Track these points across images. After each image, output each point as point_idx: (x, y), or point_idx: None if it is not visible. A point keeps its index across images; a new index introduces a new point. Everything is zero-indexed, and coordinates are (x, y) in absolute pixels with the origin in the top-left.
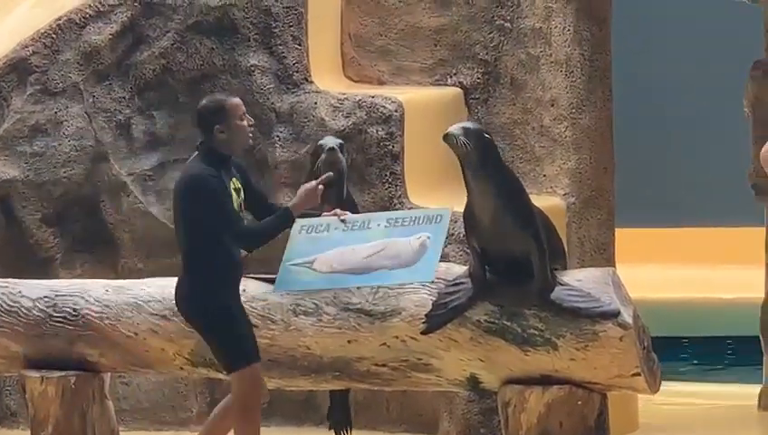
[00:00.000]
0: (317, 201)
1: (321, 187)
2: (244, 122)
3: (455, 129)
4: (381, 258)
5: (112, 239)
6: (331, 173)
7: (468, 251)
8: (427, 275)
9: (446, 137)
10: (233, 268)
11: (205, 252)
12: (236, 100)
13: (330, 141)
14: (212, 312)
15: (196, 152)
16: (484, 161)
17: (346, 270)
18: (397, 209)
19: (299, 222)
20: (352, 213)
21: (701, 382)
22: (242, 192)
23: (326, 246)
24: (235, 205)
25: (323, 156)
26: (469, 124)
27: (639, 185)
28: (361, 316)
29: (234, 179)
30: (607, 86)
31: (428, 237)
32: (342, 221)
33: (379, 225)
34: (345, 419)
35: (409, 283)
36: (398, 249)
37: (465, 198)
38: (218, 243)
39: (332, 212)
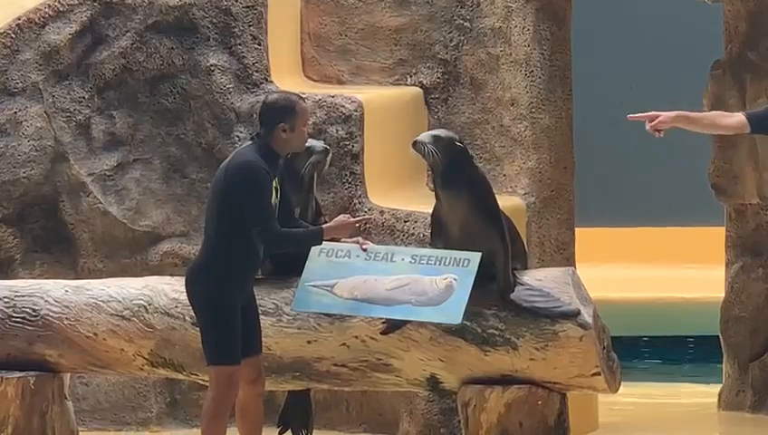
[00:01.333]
0: (348, 235)
1: (359, 224)
2: (305, 129)
3: (424, 136)
4: (405, 293)
5: (72, 239)
6: (369, 217)
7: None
8: (456, 317)
9: (415, 144)
10: (249, 264)
11: (228, 240)
12: (305, 105)
13: (319, 144)
14: (209, 301)
15: (251, 142)
16: (454, 170)
17: (367, 299)
18: (357, 209)
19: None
20: (317, 216)
21: (661, 382)
22: (278, 193)
23: (347, 272)
24: (273, 201)
25: (314, 157)
26: (441, 132)
27: (599, 184)
28: (321, 316)
29: (276, 179)
30: (567, 85)
31: (455, 279)
32: (364, 250)
33: (403, 259)
34: (305, 420)
35: (437, 323)
36: (424, 287)
37: (427, 197)
38: (244, 235)
39: (354, 240)
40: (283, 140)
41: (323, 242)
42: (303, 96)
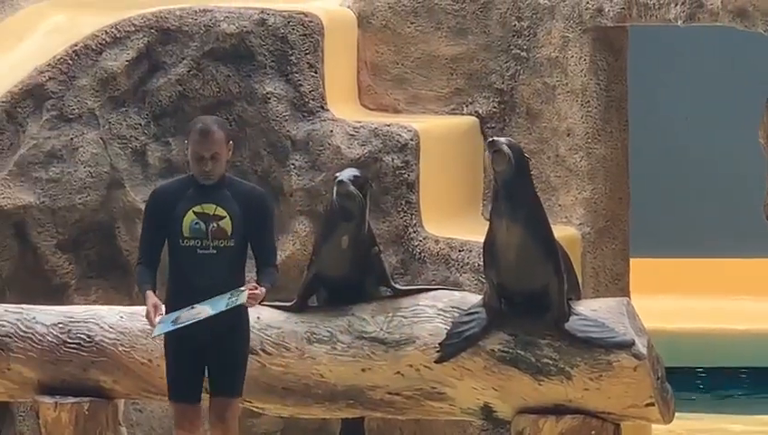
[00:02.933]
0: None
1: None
2: (204, 155)
3: (501, 138)
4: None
5: (127, 266)
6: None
7: (483, 280)
8: (157, 330)
9: (492, 143)
10: (180, 297)
11: (137, 262)
12: (203, 130)
13: (344, 173)
14: (165, 339)
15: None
16: (520, 179)
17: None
18: (412, 238)
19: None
20: (370, 246)
21: (715, 413)
22: (225, 221)
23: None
24: (186, 227)
25: (334, 188)
26: (512, 140)
27: (655, 215)
28: (375, 344)
29: (210, 205)
30: (623, 116)
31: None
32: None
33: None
34: None
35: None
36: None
37: (481, 227)
38: (170, 265)
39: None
40: (190, 165)
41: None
42: (359, 124)
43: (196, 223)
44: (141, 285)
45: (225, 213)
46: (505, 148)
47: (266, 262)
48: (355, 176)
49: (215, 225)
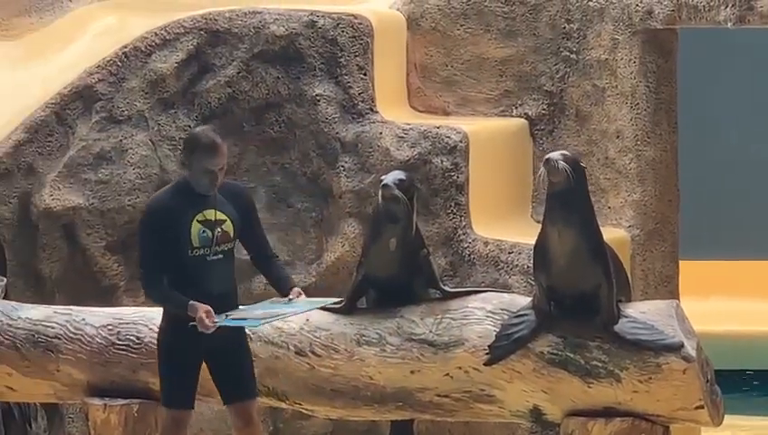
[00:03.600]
0: (205, 329)
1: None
2: (213, 169)
3: (555, 154)
4: (257, 315)
5: None
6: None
7: (533, 283)
8: (252, 323)
9: (548, 162)
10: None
11: (150, 282)
12: (209, 143)
13: (389, 177)
14: (161, 342)
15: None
16: (578, 190)
17: (235, 318)
18: (461, 240)
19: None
20: (419, 248)
21: (764, 416)
22: (227, 224)
23: (257, 308)
24: (195, 237)
25: (379, 192)
26: (567, 152)
27: (704, 217)
28: (425, 347)
29: (210, 211)
30: (672, 118)
31: (293, 310)
32: (289, 300)
33: (287, 302)
34: None
35: (239, 325)
36: (271, 314)
37: (531, 229)
38: (175, 278)
39: (211, 324)
40: (190, 177)
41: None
42: (408, 126)
43: (203, 231)
44: (179, 301)
45: (224, 216)
46: (561, 164)
47: (265, 253)
48: (400, 179)
49: (219, 230)
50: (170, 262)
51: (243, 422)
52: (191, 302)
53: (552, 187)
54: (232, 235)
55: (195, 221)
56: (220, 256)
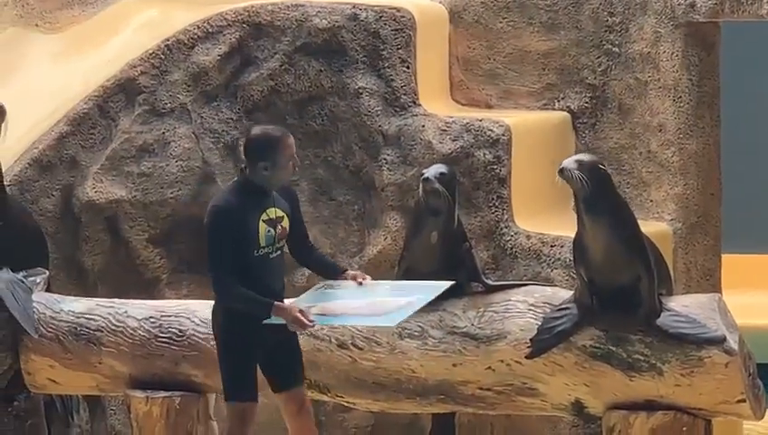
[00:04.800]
0: (300, 329)
1: (310, 324)
2: (290, 164)
3: (569, 163)
4: (364, 308)
5: None
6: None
7: (575, 276)
8: (390, 321)
9: (562, 172)
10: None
11: (225, 286)
12: (288, 140)
13: (431, 170)
14: (223, 337)
15: (237, 177)
16: (599, 195)
17: (329, 314)
18: (503, 233)
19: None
20: (461, 241)
21: None
22: (284, 220)
23: (329, 299)
24: (262, 237)
25: (420, 185)
26: (584, 157)
27: (747, 211)
28: (467, 340)
29: (271, 209)
30: (715, 111)
31: (417, 298)
32: (360, 284)
33: (385, 289)
34: None
35: (372, 325)
36: (386, 306)
37: (573, 222)
38: (241, 274)
39: (352, 274)
40: (264, 177)
41: (272, 314)
42: (451, 119)
43: (269, 230)
44: (260, 302)
45: (282, 213)
46: (576, 173)
47: (307, 244)
48: (441, 173)
49: (279, 227)
50: (238, 262)
51: (298, 407)
52: (276, 303)
53: (574, 192)
54: (288, 231)
55: (261, 221)
56: (278, 252)
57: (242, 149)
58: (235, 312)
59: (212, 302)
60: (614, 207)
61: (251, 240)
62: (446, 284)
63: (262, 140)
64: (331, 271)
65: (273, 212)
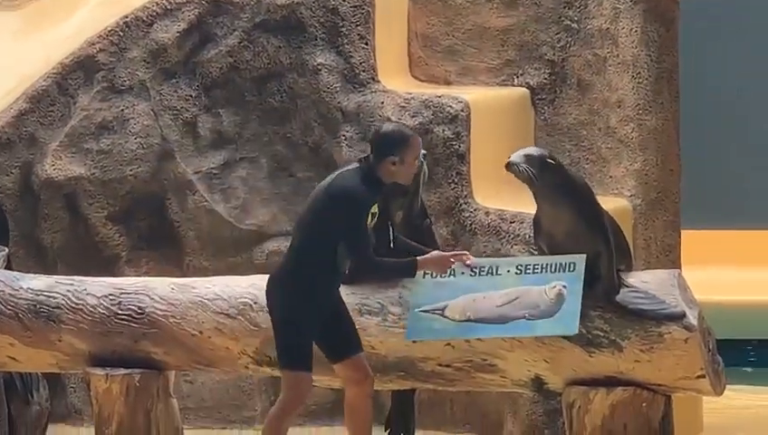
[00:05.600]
0: (444, 271)
1: (454, 259)
2: (415, 162)
3: (516, 157)
4: (517, 308)
5: (178, 237)
6: (466, 253)
7: (534, 252)
8: (571, 328)
9: (509, 166)
10: (332, 279)
11: (314, 255)
12: (418, 139)
13: None
14: (289, 310)
15: (357, 165)
16: (551, 186)
17: (481, 319)
18: (463, 210)
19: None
20: (423, 219)
21: (766, 385)
22: (376, 216)
23: (455, 292)
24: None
25: None
26: (532, 151)
27: (706, 186)
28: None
29: (375, 205)
30: (674, 87)
31: (564, 286)
32: (468, 266)
33: (509, 271)
34: (406, 423)
35: (552, 335)
36: (534, 299)
37: (532, 198)
38: (330, 253)
39: (455, 255)
40: (390, 172)
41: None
42: (410, 96)
43: (369, 223)
44: (407, 265)
45: (375, 209)
46: (522, 167)
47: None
48: (423, 154)
49: (371, 223)
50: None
51: (361, 374)
52: (417, 258)
53: (526, 184)
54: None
55: (369, 213)
56: None
57: (371, 141)
58: (306, 287)
59: (170, 279)
60: (569, 194)
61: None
62: (580, 257)
63: (395, 136)
64: (414, 251)
65: (375, 208)
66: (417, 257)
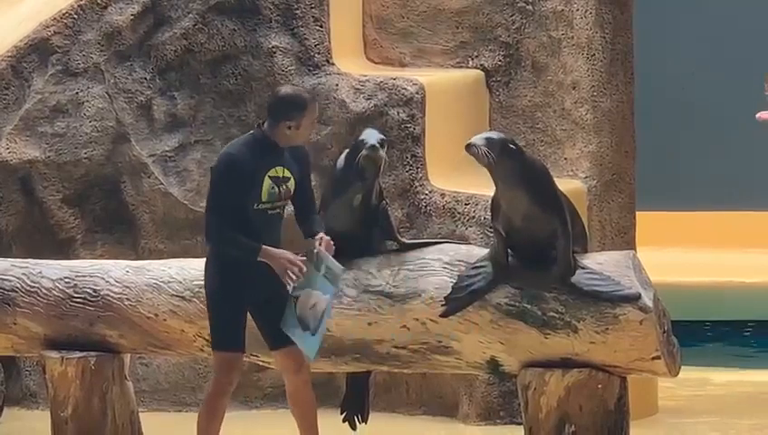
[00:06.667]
0: (282, 272)
1: (301, 265)
2: (311, 127)
3: (477, 139)
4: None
5: (133, 220)
6: (316, 246)
7: (490, 234)
8: (311, 356)
9: (469, 147)
10: (248, 251)
11: (219, 227)
12: (315, 104)
13: (372, 137)
14: (212, 288)
15: (252, 131)
16: (508, 171)
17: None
18: (418, 192)
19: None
20: (378, 201)
21: (722, 366)
22: (291, 182)
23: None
24: (265, 192)
25: (364, 152)
26: (493, 135)
27: (660, 168)
28: (381, 298)
29: (280, 168)
30: (628, 69)
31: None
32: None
33: (323, 269)
34: (361, 406)
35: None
36: (317, 303)
37: (488, 180)
38: (241, 221)
39: (293, 260)
40: (285, 136)
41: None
42: (365, 78)
43: (273, 187)
44: (252, 247)
45: (290, 174)
46: (482, 150)
47: (312, 210)
48: (382, 139)
49: (284, 187)
50: (237, 213)
51: (296, 365)
52: (264, 246)
53: (485, 167)
54: (292, 192)
55: (267, 176)
56: (277, 211)
57: (268, 104)
58: (226, 259)
59: (125, 262)
60: (528, 177)
61: (253, 193)
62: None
63: (291, 100)
64: (307, 234)
65: (282, 171)
66: (264, 247)
